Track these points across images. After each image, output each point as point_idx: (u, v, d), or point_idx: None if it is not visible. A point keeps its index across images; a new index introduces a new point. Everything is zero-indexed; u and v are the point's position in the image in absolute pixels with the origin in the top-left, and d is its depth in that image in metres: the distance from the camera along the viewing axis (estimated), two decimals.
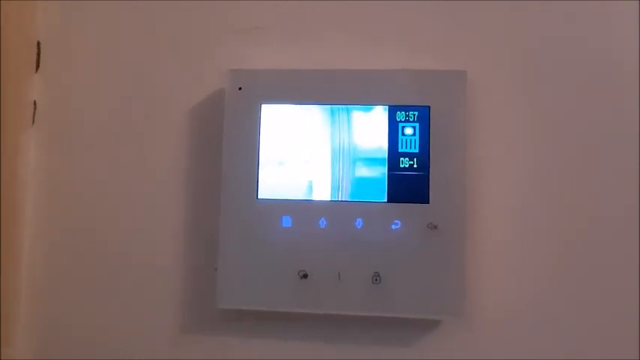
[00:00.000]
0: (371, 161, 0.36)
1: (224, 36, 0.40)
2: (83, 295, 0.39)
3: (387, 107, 0.36)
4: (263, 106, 0.37)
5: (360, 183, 0.36)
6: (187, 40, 0.40)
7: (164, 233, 0.39)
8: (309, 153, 0.36)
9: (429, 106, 0.36)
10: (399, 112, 0.36)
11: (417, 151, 0.35)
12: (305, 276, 0.35)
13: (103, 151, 0.40)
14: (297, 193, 0.36)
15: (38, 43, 0.41)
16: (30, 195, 0.40)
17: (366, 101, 0.36)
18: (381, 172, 0.36)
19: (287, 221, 0.36)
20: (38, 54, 0.41)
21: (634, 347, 0.35)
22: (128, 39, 0.41)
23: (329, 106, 0.36)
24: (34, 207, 0.40)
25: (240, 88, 0.37)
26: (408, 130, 0.36)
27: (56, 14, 0.41)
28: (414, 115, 0.36)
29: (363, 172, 0.36)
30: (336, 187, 0.36)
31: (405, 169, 0.35)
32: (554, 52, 0.38)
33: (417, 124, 0.36)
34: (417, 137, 0.36)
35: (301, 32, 0.39)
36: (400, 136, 0.36)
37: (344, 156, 0.36)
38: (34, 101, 0.41)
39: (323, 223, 0.35)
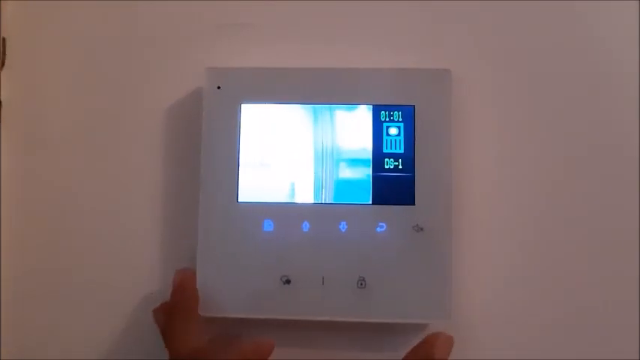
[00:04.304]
0: (355, 162, 0.35)
1: (201, 32, 0.38)
2: (53, 308, 0.38)
3: (371, 107, 0.35)
4: (243, 105, 0.36)
5: (343, 185, 0.35)
6: (163, 36, 0.39)
7: (140, 237, 0.38)
8: (291, 154, 0.35)
9: (413, 106, 0.35)
10: (383, 112, 0.35)
11: (402, 151, 0.35)
12: (288, 281, 0.34)
13: (72, 155, 0.38)
14: (279, 196, 0.35)
15: (4, 40, 0.39)
16: None
17: (350, 100, 0.35)
18: (366, 173, 0.35)
19: (269, 225, 0.35)
20: (4, 51, 0.39)
21: (634, 348, 0.35)
22: (99, 34, 0.39)
23: (311, 106, 0.35)
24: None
25: (219, 87, 0.36)
26: (393, 130, 0.35)
27: (23, 9, 0.39)
28: (399, 114, 0.35)
29: (347, 173, 0.35)
30: (319, 189, 0.35)
31: (389, 170, 0.35)
32: (541, 50, 0.37)
33: (401, 124, 0.35)
34: (401, 137, 0.35)
35: (283, 29, 0.38)
36: (385, 137, 0.35)
37: (327, 157, 0.35)
38: (0, 100, 0.39)
39: (306, 226, 0.34)
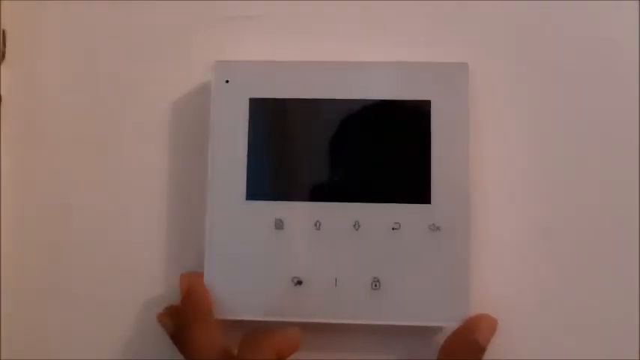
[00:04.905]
0: (368, 159, 0.34)
1: (210, 25, 0.38)
2: (53, 309, 0.37)
3: (385, 101, 0.34)
4: (252, 100, 0.35)
5: (357, 182, 0.34)
6: (170, 29, 0.38)
7: (145, 238, 0.37)
8: (301, 150, 0.34)
9: (429, 101, 0.34)
10: (397, 107, 0.34)
11: (417, 148, 0.34)
12: (299, 283, 0.33)
13: (76, 151, 0.38)
14: (289, 194, 0.34)
15: (4, 32, 0.38)
16: None
17: (363, 95, 0.34)
18: (379, 170, 0.34)
19: (279, 224, 0.34)
20: (4, 44, 0.38)
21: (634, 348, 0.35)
22: (104, 27, 0.38)
23: (323, 100, 0.34)
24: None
25: (227, 81, 0.35)
26: (407, 126, 0.34)
27: (24, 1, 0.38)
28: (414, 109, 0.34)
29: (360, 170, 0.34)
30: (331, 187, 0.34)
31: (404, 167, 0.34)
32: (560, 45, 0.37)
33: (416, 120, 0.34)
34: (417, 133, 0.34)
35: (293, 22, 0.37)
36: (399, 132, 0.34)
37: (339, 153, 0.34)
38: (0, 95, 0.38)
39: (318, 225, 0.34)
